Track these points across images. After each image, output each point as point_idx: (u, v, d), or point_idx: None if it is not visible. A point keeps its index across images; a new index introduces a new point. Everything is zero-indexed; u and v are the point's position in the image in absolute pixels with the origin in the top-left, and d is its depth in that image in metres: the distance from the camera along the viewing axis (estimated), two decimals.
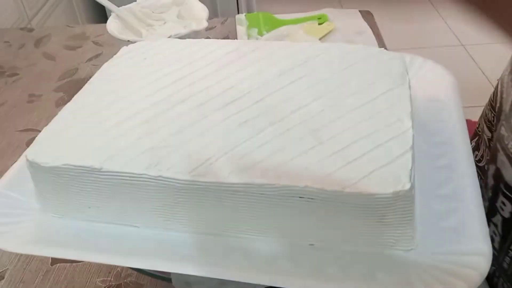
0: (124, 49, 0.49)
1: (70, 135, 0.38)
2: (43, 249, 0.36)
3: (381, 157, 0.35)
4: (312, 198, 0.34)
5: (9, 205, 0.39)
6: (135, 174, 0.35)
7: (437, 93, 0.48)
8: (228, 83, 0.44)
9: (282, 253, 0.36)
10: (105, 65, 0.46)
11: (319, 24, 0.85)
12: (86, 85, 0.44)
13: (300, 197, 0.34)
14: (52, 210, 0.39)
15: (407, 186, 0.33)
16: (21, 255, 0.49)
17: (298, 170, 0.35)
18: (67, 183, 0.37)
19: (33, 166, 0.36)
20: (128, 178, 0.35)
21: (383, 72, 0.43)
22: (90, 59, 0.83)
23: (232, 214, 0.36)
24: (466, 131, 0.42)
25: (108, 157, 0.35)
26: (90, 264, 0.48)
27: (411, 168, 0.34)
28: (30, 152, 0.36)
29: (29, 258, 0.49)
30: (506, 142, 0.40)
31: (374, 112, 0.39)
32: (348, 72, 0.44)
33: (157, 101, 0.41)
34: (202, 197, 0.35)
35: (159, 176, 0.34)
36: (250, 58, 0.47)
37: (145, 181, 0.35)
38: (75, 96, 0.42)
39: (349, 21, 0.86)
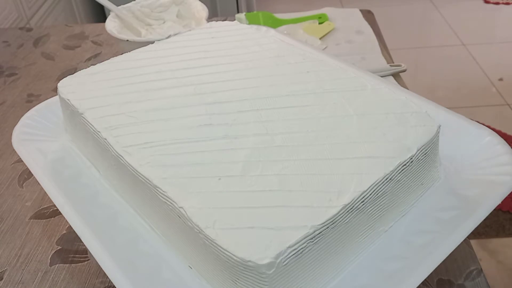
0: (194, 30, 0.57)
1: (88, 83, 0.47)
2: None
3: (283, 217, 0.31)
4: (185, 223, 0.33)
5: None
6: (96, 129, 0.41)
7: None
8: (233, 84, 0.45)
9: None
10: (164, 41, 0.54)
11: (320, 23, 0.84)
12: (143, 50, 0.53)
13: (178, 216, 0.33)
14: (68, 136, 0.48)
15: (264, 260, 0.29)
16: (20, 255, 0.49)
17: (202, 193, 0.34)
18: (70, 114, 0.46)
19: (58, 90, 0.47)
20: (92, 130, 0.42)
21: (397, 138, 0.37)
22: (89, 59, 0.83)
23: (138, 194, 0.38)
24: None
25: (90, 107, 0.43)
26: (89, 265, 0.48)
27: (290, 246, 0.30)
28: (62, 81, 0.47)
29: (28, 259, 0.49)
30: None
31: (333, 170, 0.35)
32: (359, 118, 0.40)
33: (164, 79, 0.47)
34: (124, 171, 0.39)
35: (105, 139, 0.40)
36: (277, 68, 0.47)
37: (99, 137, 0.41)
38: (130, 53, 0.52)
39: (350, 20, 0.86)
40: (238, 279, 0.30)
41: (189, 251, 0.34)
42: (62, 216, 0.40)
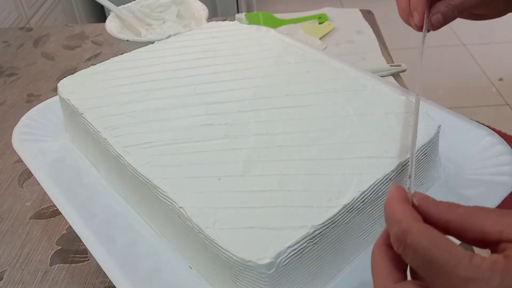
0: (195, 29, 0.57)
1: (88, 83, 0.47)
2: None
3: (283, 217, 0.31)
4: (185, 223, 0.33)
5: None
6: (96, 129, 0.41)
7: None
8: (233, 84, 0.45)
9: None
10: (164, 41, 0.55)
11: (319, 23, 0.84)
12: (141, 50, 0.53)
13: (178, 216, 0.33)
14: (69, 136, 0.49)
15: (264, 260, 0.29)
16: (20, 255, 0.49)
17: (202, 193, 0.34)
18: (70, 114, 0.46)
19: (58, 90, 0.47)
20: (92, 130, 0.42)
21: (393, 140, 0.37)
22: (89, 59, 0.83)
23: (138, 194, 0.38)
24: None
25: (90, 107, 0.43)
26: (89, 265, 0.48)
27: (290, 246, 0.30)
28: (62, 81, 0.48)
29: (28, 259, 0.49)
30: None
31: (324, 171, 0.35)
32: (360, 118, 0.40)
33: (164, 79, 0.47)
34: (124, 171, 0.38)
35: (105, 139, 0.40)
36: (275, 68, 0.47)
37: (99, 137, 0.41)
38: (129, 54, 0.52)
39: (350, 20, 0.86)
40: (238, 279, 0.30)
41: (189, 251, 0.34)
42: (62, 216, 0.40)
